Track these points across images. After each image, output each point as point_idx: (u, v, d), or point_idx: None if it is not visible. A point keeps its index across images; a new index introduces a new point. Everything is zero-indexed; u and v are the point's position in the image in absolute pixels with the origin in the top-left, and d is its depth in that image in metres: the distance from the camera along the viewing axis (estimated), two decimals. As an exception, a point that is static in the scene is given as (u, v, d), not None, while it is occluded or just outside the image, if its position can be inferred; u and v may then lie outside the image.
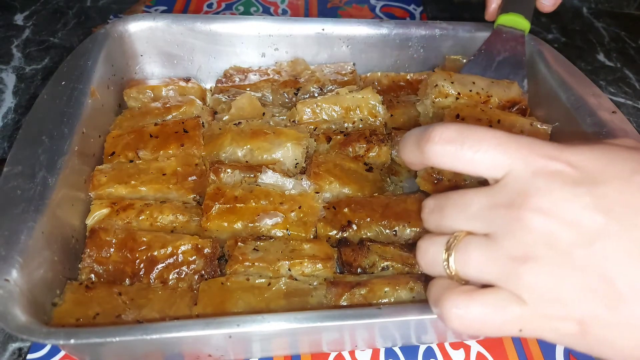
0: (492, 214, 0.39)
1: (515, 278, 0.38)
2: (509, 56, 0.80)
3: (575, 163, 0.38)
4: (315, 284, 0.65)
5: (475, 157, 0.40)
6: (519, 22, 0.81)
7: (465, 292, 0.41)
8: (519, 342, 0.68)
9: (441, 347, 0.67)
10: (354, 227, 0.72)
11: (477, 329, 0.40)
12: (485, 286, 0.41)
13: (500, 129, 0.63)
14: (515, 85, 0.76)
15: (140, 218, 0.69)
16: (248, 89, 0.89)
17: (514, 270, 0.38)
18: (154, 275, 0.65)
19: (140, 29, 0.88)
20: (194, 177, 0.74)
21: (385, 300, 0.63)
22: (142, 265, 0.65)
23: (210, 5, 1.27)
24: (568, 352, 0.67)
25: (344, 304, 0.63)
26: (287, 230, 0.70)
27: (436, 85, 0.75)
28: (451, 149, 0.41)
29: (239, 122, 0.81)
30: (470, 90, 0.73)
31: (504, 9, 0.83)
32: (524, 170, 0.39)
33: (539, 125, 0.68)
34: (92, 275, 0.65)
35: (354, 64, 0.96)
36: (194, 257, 0.66)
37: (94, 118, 0.76)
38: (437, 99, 0.76)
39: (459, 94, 0.73)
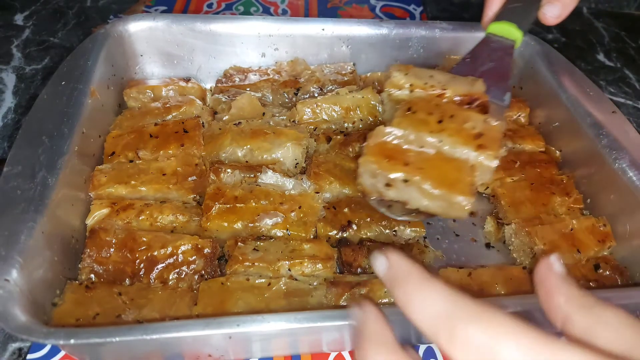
0: None
1: None
2: (494, 67, 0.74)
3: None
4: (315, 284, 0.65)
5: None
6: (511, 31, 0.75)
7: None
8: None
9: (441, 347, 0.67)
10: (354, 227, 0.72)
11: None
12: None
13: (452, 124, 0.63)
14: (479, 82, 0.69)
15: (140, 218, 0.69)
16: (248, 89, 0.89)
17: None
18: (154, 275, 0.65)
19: (140, 29, 0.88)
20: (194, 177, 0.74)
21: (385, 300, 0.63)
22: (142, 265, 0.65)
23: (210, 5, 1.27)
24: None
25: (344, 304, 0.63)
26: (287, 230, 0.70)
27: (391, 75, 0.71)
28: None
29: (239, 122, 0.81)
30: (426, 83, 0.69)
31: (498, 17, 0.77)
32: None
33: (493, 122, 0.63)
34: (92, 275, 0.65)
35: (354, 64, 0.96)
36: (194, 257, 0.66)
37: (94, 118, 0.76)
38: (392, 91, 0.71)
39: (411, 85, 0.69)
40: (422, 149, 0.62)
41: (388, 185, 0.61)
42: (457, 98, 0.69)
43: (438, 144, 0.63)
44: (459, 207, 0.60)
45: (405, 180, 0.61)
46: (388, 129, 0.64)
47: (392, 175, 0.61)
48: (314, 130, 0.84)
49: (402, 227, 0.72)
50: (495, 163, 0.62)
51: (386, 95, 0.72)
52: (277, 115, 0.85)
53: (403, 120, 0.65)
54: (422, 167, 0.61)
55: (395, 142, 0.63)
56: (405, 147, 0.63)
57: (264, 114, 0.85)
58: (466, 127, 0.63)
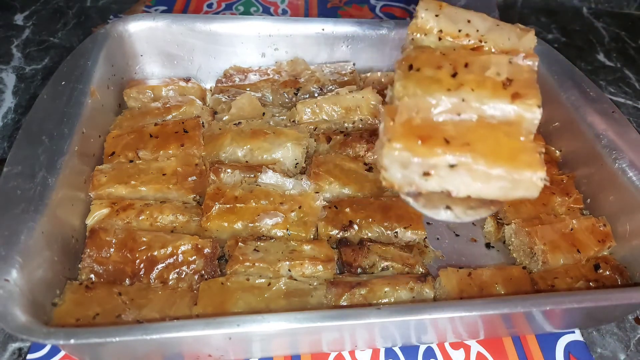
0: None
1: None
2: None
3: None
4: (315, 284, 0.65)
5: None
6: None
7: None
8: (519, 342, 0.68)
9: (441, 347, 0.67)
10: (356, 227, 0.71)
11: None
12: None
13: (469, 75, 0.50)
14: (529, 35, 0.54)
15: (140, 218, 0.69)
16: (248, 89, 0.89)
17: None
18: (154, 275, 0.65)
19: (140, 29, 0.88)
20: (194, 177, 0.74)
21: (385, 300, 0.63)
22: (142, 265, 0.65)
23: (210, 5, 1.27)
24: (568, 352, 0.67)
25: (344, 304, 0.63)
26: (287, 230, 0.70)
27: (418, 16, 0.55)
28: None
29: (239, 122, 0.81)
30: (460, 30, 0.54)
31: None
32: None
33: (520, 62, 0.51)
34: (92, 275, 0.64)
35: (354, 64, 0.96)
36: (194, 257, 0.66)
37: (94, 118, 0.76)
38: (416, 35, 0.56)
39: (440, 31, 0.54)
40: (461, 117, 0.48)
41: (426, 174, 0.48)
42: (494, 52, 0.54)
43: (461, 104, 0.49)
44: (528, 185, 0.47)
45: (452, 165, 0.47)
46: (412, 101, 0.48)
47: (433, 161, 0.47)
48: (314, 130, 0.84)
49: (402, 230, 0.72)
50: (539, 112, 0.49)
51: (408, 42, 0.58)
52: (277, 115, 0.85)
53: (408, 82, 0.50)
54: (467, 142, 0.47)
55: (423, 115, 0.48)
56: (438, 119, 0.48)
57: (264, 114, 0.85)
58: (489, 75, 0.50)
